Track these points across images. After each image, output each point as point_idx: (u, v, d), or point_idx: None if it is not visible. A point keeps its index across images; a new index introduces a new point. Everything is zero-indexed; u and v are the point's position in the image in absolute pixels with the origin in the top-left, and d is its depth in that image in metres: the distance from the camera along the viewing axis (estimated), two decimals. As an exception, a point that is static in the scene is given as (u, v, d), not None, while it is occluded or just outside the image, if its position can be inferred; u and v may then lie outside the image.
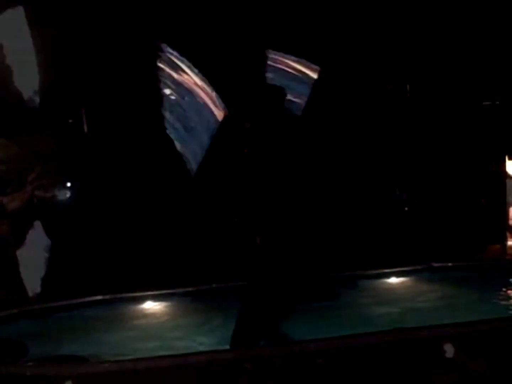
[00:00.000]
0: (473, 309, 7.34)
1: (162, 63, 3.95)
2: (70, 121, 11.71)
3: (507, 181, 12.93)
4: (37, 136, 11.47)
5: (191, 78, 4.05)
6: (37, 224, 9.59)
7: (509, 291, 8.67)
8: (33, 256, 9.50)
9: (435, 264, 9.58)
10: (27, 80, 10.54)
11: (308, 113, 12.01)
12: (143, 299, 8.44)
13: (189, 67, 4.06)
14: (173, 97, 4.01)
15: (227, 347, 5.73)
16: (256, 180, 4.63)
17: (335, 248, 9.91)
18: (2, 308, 7.70)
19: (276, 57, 4.20)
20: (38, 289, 8.48)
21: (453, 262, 9.74)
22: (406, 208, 11.66)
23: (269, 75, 4.19)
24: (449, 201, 11.67)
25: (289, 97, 4.23)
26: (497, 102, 12.41)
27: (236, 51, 10.41)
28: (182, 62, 4.05)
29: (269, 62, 4.21)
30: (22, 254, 9.03)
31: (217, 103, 4.20)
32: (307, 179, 11.88)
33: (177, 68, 3.96)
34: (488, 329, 5.83)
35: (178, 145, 4.06)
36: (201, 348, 6.10)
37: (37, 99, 9.35)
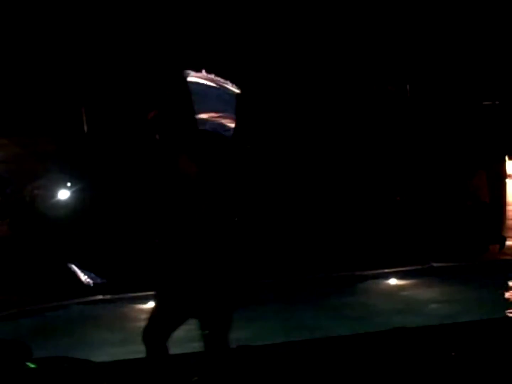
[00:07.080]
0: (473, 309, 7.35)
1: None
2: (70, 121, 11.69)
3: (507, 181, 12.92)
4: (37, 136, 11.47)
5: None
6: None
7: (508, 291, 8.68)
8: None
9: (435, 264, 9.58)
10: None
11: (307, 113, 12.03)
12: (143, 299, 8.43)
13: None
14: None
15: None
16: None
17: (336, 249, 9.90)
18: (2, 308, 7.70)
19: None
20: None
21: (453, 262, 9.74)
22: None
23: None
24: (448, 202, 11.65)
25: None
26: (497, 102, 12.39)
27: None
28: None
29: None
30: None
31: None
32: (306, 180, 11.89)
33: None
34: (488, 329, 5.84)
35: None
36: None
37: None
